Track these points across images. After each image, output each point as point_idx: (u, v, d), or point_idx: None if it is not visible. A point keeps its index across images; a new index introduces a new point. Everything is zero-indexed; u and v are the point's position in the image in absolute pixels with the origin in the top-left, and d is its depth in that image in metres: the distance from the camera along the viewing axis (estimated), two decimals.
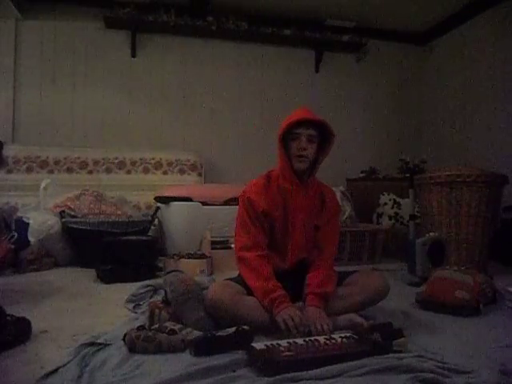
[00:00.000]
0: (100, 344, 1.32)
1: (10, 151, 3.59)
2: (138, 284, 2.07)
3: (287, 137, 1.62)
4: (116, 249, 2.56)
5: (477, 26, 4.01)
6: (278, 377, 1.09)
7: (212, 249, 2.83)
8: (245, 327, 1.33)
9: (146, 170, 3.82)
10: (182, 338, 1.29)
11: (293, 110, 1.66)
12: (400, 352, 1.25)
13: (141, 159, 3.84)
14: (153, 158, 3.86)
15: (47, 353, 1.29)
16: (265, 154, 3.28)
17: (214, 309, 1.47)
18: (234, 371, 1.14)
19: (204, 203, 3.16)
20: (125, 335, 1.32)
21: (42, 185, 3.14)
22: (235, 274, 1.68)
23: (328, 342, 1.27)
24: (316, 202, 1.69)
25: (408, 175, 3.03)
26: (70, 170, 3.67)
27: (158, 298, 1.80)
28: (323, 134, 1.64)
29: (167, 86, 4.14)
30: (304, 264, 1.65)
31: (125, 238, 2.71)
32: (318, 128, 1.62)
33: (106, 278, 2.38)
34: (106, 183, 3.62)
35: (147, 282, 2.13)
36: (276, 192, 1.65)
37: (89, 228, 2.82)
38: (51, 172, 3.60)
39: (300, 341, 1.26)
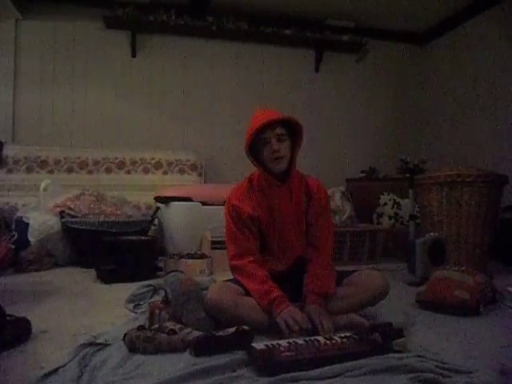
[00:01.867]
0: (100, 344, 1.31)
1: (9, 151, 3.59)
2: (138, 284, 2.07)
3: (256, 144, 1.57)
4: (116, 249, 2.56)
5: (477, 26, 4.01)
6: (278, 377, 1.08)
7: (212, 249, 2.83)
8: (245, 327, 1.33)
9: (145, 170, 3.83)
10: (182, 338, 1.29)
11: (252, 115, 1.60)
12: (400, 352, 1.25)
13: (141, 159, 3.85)
14: (153, 158, 3.87)
15: (47, 353, 1.29)
16: None
17: (213, 309, 1.47)
18: (234, 371, 1.13)
19: (204, 203, 3.16)
20: (125, 335, 1.32)
21: (42, 185, 3.14)
22: None
23: (328, 342, 1.26)
24: (302, 198, 1.66)
25: (408, 175, 3.02)
26: (70, 170, 3.67)
27: (158, 298, 1.80)
28: (290, 127, 1.60)
29: (167, 85, 4.14)
30: (301, 263, 1.63)
31: (125, 237, 2.71)
32: (285, 123, 1.58)
33: (106, 278, 2.38)
34: (105, 183, 3.62)
35: (147, 282, 2.13)
36: (259, 195, 1.63)
37: (89, 228, 2.82)
38: (51, 172, 3.61)
39: (300, 341, 1.26)
